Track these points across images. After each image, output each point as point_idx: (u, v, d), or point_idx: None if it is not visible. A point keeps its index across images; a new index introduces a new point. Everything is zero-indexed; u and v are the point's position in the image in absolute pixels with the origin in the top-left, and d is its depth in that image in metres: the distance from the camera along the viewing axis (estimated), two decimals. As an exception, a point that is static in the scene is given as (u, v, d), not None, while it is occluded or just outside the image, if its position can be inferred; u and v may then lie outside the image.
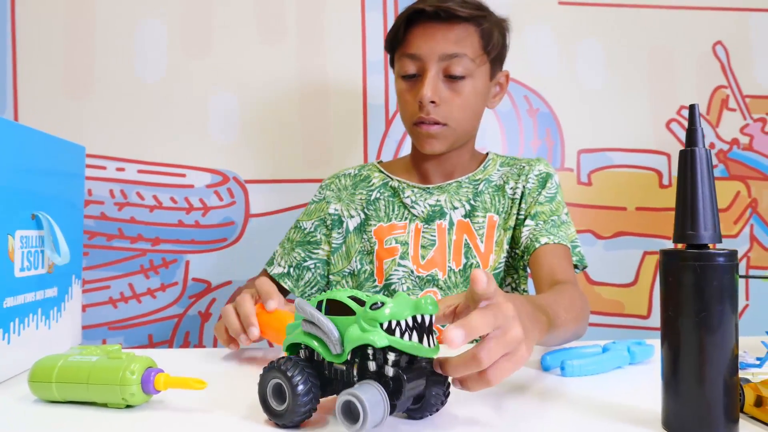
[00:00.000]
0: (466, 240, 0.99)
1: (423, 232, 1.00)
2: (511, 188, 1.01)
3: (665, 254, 0.49)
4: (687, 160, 0.48)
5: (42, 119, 1.37)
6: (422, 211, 1.00)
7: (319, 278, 1.02)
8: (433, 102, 0.91)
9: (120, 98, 1.39)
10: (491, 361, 0.46)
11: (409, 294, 0.97)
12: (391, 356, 0.47)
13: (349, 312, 0.50)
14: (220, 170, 1.40)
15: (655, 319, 1.47)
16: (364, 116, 1.44)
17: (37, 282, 0.74)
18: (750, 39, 1.51)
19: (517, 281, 1.02)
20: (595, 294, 1.47)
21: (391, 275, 0.98)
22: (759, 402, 0.51)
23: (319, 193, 1.08)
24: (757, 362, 0.69)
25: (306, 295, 1.01)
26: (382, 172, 1.07)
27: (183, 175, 1.40)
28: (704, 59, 1.50)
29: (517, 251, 0.99)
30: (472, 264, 0.98)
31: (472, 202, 1.00)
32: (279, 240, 1.40)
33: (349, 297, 0.51)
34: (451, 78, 0.92)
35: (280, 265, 1.02)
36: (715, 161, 1.49)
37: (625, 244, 1.47)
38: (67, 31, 1.39)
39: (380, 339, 0.46)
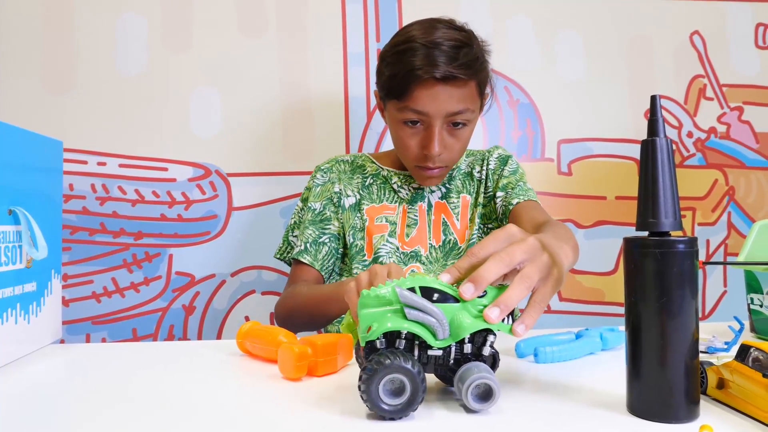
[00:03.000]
0: (443, 219, 1.07)
1: (408, 212, 1.07)
2: (478, 172, 1.12)
3: (628, 242, 0.50)
4: (648, 150, 0.49)
5: (22, 114, 1.36)
6: (407, 194, 1.08)
7: (334, 251, 1.06)
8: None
9: (101, 93, 1.38)
10: (533, 283, 0.53)
11: None
12: (491, 338, 0.53)
13: (445, 297, 0.53)
14: (202, 164, 1.40)
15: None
16: (346, 109, 1.44)
17: (16, 277, 0.74)
18: (726, 29, 1.53)
19: None
20: (575, 282, 1.49)
21: (379, 249, 1.03)
22: (721, 384, 0.53)
23: (322, 176, 1.12)
24: (725, 347, 0.71)
25: (326, 268, 1.04)
26: (374, 163, 1.13)
27: (165, 169, 1.39)
28: (682, 49, 1.52)
29: (493, 224, 1.08)
30: (450, 240, 1.06)
31: (447, 185, 1.10)
32: (262, 232, 1.42)
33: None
34: (453, 125, 0.98)
35: (297, 246, 1.05)
36: (692, 150, 1.52)
37: (605, 233, 1.49)
38: (46, 26, 1.37)
39: (503, 325, 0.52)
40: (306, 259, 1.01)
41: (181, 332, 1.41)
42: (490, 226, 1.08)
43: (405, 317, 0.51)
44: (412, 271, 1.03)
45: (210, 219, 1.41)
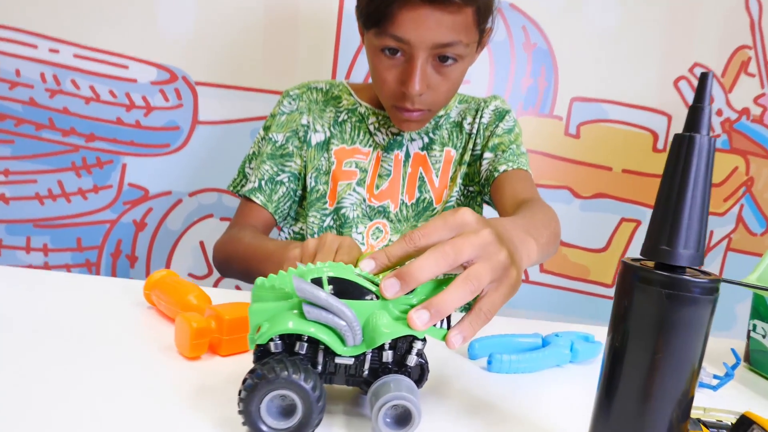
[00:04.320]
0: (421, 173, 0.93)
1: (382, 161, 0.92)
2: (468, 123, 0.96)
3: (626, 268, 0.37)
4: (683, 148, 0.35)
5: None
6: (383, 139, 0.93)
7: (292, 193, 0.92)
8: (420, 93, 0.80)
9: (62, -34, 1.19)
10: (480, 285, 0.42)
11: (357, 223, 0.89)
12: (418, 345, 0.43)
13: (360, 293, 0.41)
14: (167, 66, 1.24)
15: (620, 290, 1.39)
16: (338, 27, 1.26)
17: None
18: (788, -4, 1.33)
19: None
20: (561, 256, 1.38)
21: (343, 199, 0.90)
22: (706, 452, 0.42)
23: (289, 103, 0.95)
24: (715, 382, 0.60)
25: (280, 211, 0.90)
26: (352, 96, 0.96)
27: (125, 67, 1.23)
28: (734, 12, 1.32)
29: (475, 188, 0.95)
30: (425, 198, 0.92)
31: (430, 134, 0.94)
32: (228, 153, 1.27)
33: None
34: (440, 59, 0.79)
35: (250, 181, 0.91)
36: (718, 130, 1.36)
37: (604, 207, 1.36)
38: None
39: (435, 330, 0.42)
40: (258, 198, 0.88)
41: (130, 248, 1.30)
42: (471, 189, 0.94)
43: (302, 316, 0.40)
44: (377, 229, 0.90)
45: (171, 130, 1.26)
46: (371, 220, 0.90)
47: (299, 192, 0.92)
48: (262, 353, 0.41)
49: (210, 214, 1.30)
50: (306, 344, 0.41)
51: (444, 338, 0.41)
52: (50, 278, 0.68)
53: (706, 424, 0.45)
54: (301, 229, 0.93)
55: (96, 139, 1.24)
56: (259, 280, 0.41)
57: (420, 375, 0.43)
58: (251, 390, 0.37)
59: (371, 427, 0.42)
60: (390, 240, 0.89)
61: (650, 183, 1.35)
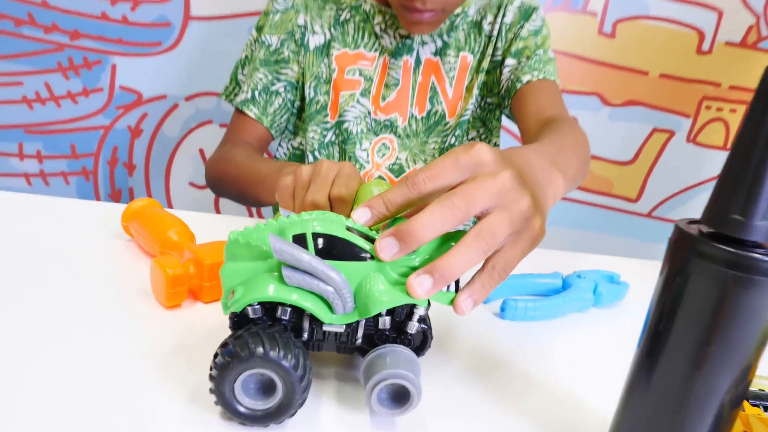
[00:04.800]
0: (433, 82, 0.82)
1: (389, 68, 0.81)
2: (489, 23, 0.83)
3: (681, 236, 0.30)
4: (772, 85, 0.26)
5: None
6: (391, 43, 0.81)
7: (289, 104, 0.82)
8: None
9: None
10: (494, 243, 0.35)
11: (362, 138, 0.80)
12: (420, 310, 0.37)
13: (352, 252, 0.34)
14: (153, -48, 1.10)
15: (644, 204, 1.31)
16: None
17: None
18: None
19: (485, 135, 0.84)
20: (585, 168, 1.29)
21: (346, 112, 0.81)
22: None
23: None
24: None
25: (276, 124, 0.82)
26: None
27: (105, -48, 1.10)
28: None
29: (493, 99, 0.84)
30: (437, 111, 0.82)
31: (444, 37, 0.82)
32: (226, 52, 1.16)
33: (347, 228, 0.35)
34: None
35: (243, 91, 0.81)
36: (773, 29, 1.21)
37: (635, 116, 1.25)
38: None
39: (441, 294, 0.35)
40: (252, 111, 0.79)
41: (126, 156, 1.24)
42: (489, 100, 0.84)
43: (283, 281, 0.33)
44: (383, 145, 0.82)
45: (162, 26, 1.15)
46: (377, 135, 0.82)
47: (297, 103, 0.83)
48: (239, 318, 0.36)
49: (209, 120, 1.22)
50: (289, 309, 0.35)
51: (451, 303, 0.35)
52: (27, 201, 0.63)
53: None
54: (300, 144, 0.85)
55: (81, 37, 1.14)
56: (233, 234, 0.35)
57: (422, 342, 0.38)
58: (222, 369, 0.32)
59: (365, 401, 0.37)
60: (397, 158, 0.81)
61: (690, 90, 1.22)
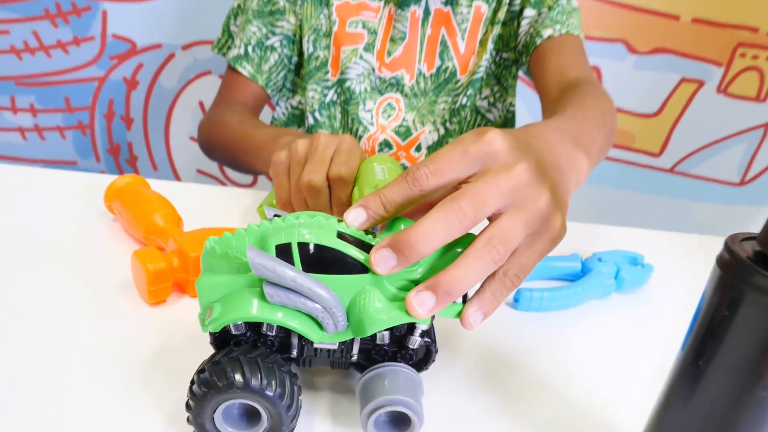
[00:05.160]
0: (443, 36, 0.75)
1: (395, 20, 0.74)
2: None
3: (733, 260, 0.25)
4: None
5: None
6: None
7: (286, 60, 0.76)
8: None
9: None
10: (508, 250, 0.30)
11: (366, 98, 0.74)
12: (422, 325, 0.32)
13: (344, 264, 0.30)
14: None
15: (667, 159, 1.25)
16: None
17: None
18: None
19: (499, 94, 0.78)
20: (605, 121, 1.21)
21: (348, 69, 0.74)
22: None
23: None
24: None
25: (272, 83, 0.76)
26: None
27: None
28: None
29: (510, 55, 0.77)
30: (447, 68, 0.75)
31: None
32: (223, -2, 1.09)
33: (339, 235, 0.31)
34: None
35: (235, 46, 0.75)
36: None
37: (663, 65, 1.16)
38: None
39: (449, 309, 0.31)
40: (245, 68, 0.73)
41: (123, 109, 1.18)
42: (505, 56, 0.77)
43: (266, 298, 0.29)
44: (389, 105, 0.75)
45: (153, -31, 1.06)
46: (382, 94, 0.75)
47: (294, 59, 0.76)
48: (220, 333, 0.32)
49: (207, 71, 1.16)
50: (270, 333, 0.32)
51: (458, 316, 0.31)
52: (6, 173, 0.59)
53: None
54: (299, 103, 0.79)
55: (67, -20, 1.06)
56: (210, 243, 0.30)
57: (425, 356, 0.34)
58: (199, 400, 0.28)
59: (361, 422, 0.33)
60: (404, 119, 0.75)
61: (724, 36, 1.13)
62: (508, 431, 0.34)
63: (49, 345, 0.36)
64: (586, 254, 0.55)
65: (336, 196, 0.46)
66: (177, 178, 1.26)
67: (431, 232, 0.29)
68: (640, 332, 0.46)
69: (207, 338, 0.38)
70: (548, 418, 0.36)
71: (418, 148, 0.76)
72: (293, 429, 0.30)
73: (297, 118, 0.79)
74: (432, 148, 0.76)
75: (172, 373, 0.35)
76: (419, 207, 0.35)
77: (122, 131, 1.20)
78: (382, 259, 0.29)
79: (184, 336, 0.38)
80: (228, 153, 0.67)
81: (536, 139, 0.36)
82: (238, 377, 0.28)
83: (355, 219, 0.32)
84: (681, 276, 0.55)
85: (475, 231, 0.31)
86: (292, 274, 0.28)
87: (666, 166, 1.25)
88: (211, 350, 0.32)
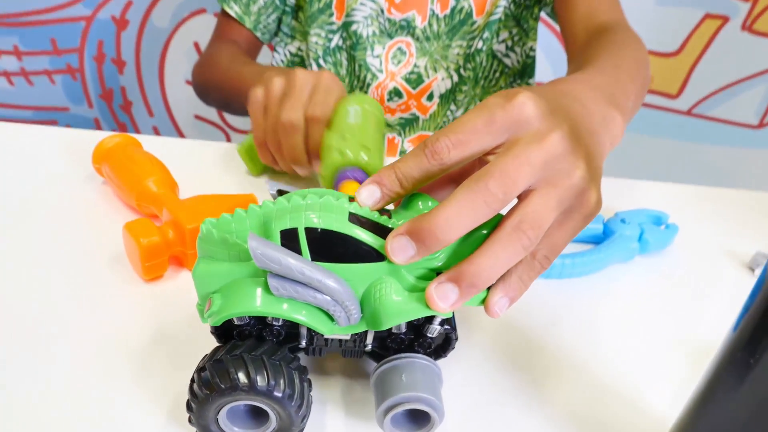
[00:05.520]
0: None
1: None
2: None
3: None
4: None
5: None
6: None
7: (277, 1, 0.70)
8: None
9: None
10: (539, 235, 0.27)
11: (374, 43, 0.69)
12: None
13: (358, 251, 0.27)
14: None
15: (685, 101, 1.19)
16: None
17: None
18: None
19: (519, 37, 0.72)
20: (622, 60, 1.15)
21: (354, 11, 0.68)
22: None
23: None
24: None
25: (262, 26, 0.70)
26: None
27: None
28: None
29: None
30: (462, 8, 0.69)
31: None
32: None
33: (351, 218, 0.27)
34: None
35: None
36: None
37: (686, 0, 1.09)
38: None
39: (473, 297, 0.27)
40: (233, 9, 0.67)
41: (114, 50, 1.12)
42: None
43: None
44: (399, 50, 0.70)
45: None
46: (391, 38, 0.70)
47: (291, 0, 0.71)
48: (221, 334, 0.29)
49: (202, 9, 1.09)
50: (275, 327, 0.29)
51: (482, 303, 0.28)
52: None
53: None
54: (299, 49, 0.73)
55: None
56: (206, 226, 0.27)
57: (444, 344, 0.31)
58: (201, 402, 0.26)
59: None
60: (415, 66, 0.70)
61: (755, -34, 1.05)
62: (531, 417, 0.32)
63: (32, 330, 0.34)
64: (608, 213, 0.52)
65: (312, 136, 0.45)
66: (174, 124, 1.21)
67: (455, 219, 0.26)
68: (667, 300, 0.44)
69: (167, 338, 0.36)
70: (575, 401, 0.33)
71: (430, 97, 0.71)
72: (304, 428, 0.28)
73: (297, 66, 0.74)
74: (445, 97, 0.71)
75: (173, 358, 0.33)
76: (439, 181, 0.32)
77: (114, 75, 1.15)
78: (399, 248, 0.26)
79: (184, 316, 0.36)
80: (220, 95, 0.63)
81: (569, 99, 0.32)
82: (242, 378, 0.25)
83: (368, 198, 0.28)
84: (706, 235, 0.52)
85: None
86: (300, 265, 0.25)
87: (683, 109, 1.20)
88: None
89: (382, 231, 0.28)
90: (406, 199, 0.30)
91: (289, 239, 0.26)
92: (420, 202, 0.30)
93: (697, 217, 0.55)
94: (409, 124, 0.72)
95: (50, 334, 0.34)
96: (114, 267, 0.39)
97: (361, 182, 0.40)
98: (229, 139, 1.23)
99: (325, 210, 0.27)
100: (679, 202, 0.57)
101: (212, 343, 0.32)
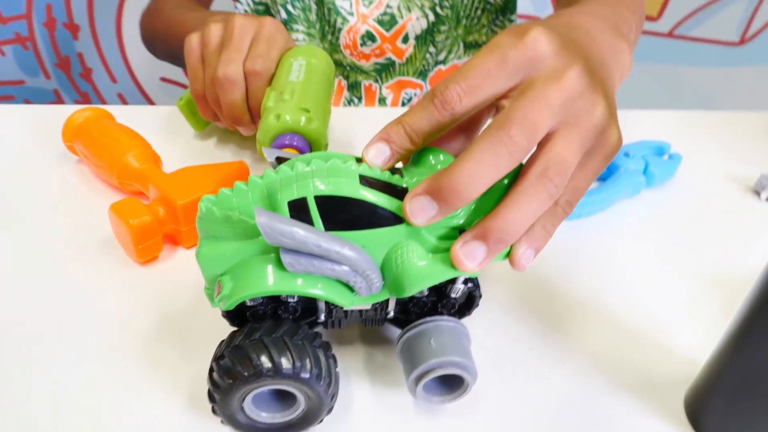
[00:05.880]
0: None
1: None
2: None
3: None
4: None
5: None
6: None
7: None
8: None
9: None
10: (565, 180, 0.25)
11: None
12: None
13: (373, 216, 0.25)
14: None
15: (665, 23, 1.16)
16: None
17: None
18: None
19: None
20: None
21: None
22: None
23: None
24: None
25: None
26: None
27: None
28: None
29: None
30: None
31: None
32: None
33: (362, 181, 0.25)
34: None
35: None
36: None
37: None
38: None
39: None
40: None
41: (64, 14, 1.05)
42: None
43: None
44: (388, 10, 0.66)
45: None
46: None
47: None
48: (233, 316, 0.27)
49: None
50: (289, 305, 0.27)
51: (507, 257, 0.27)
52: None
53: None
54: (265, -4, 0.68)
55: None
56: (205, 204, 0.25)
57: (467, 302, 0.30)
58: (224, 391, 0.24)
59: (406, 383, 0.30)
60: (388, 6, 0.66)
61: None
62: (559, 367, 0.31)
63: (29, 327, 0.32)
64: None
65: (252, 93, 0.42)
66: (141, 90, 1.15)
67: (479, 173, 0.24)
68: (681, 233, 0.43)
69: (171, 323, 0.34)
70: (601, 347, 0.33)
71: (405, 39, 0.67)
72: (332, 407, 0.27)
73: (262, 14, 0.69)
74: (421, 38, 0.67)
75: (183, 342, 0.31)
76: (449, 132, 0.30)
77: (69, 41, 1.07)
78: (419, 209, 0.24)
79: (188, 297, 0.34)
80: (165, 46, 0.60)
81: (579, 32, 0.30)
82: (265, 363, 0.24)
83: (377, 156, 0.26)
84: (707, 162, 0.51)
85: (525, 161, 0.26)
86: (315, 238, 0.23)
87: (664, 31, 1.17)
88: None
89: (396, 192, 0.26)
90: (415, 154, 0.28)
91: (298, 210, 0.24)
92: (431, 157, 0.28)
93: (695, 143, 0.54)
94: (385, 69, 0.69)
95: (49, 330, 0.31)
96: (105, 252, 0.37)
97: (301, 150, 0.38)
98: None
99: (333, 175, 0.25)
100: (675, 129, 0.56)
101: (221, 324, 0.30)
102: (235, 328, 0.27)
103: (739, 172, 0.51)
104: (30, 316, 0.32)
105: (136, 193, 0.42)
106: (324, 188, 0.24)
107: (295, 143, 0.37)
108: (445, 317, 0.28)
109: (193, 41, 0.43)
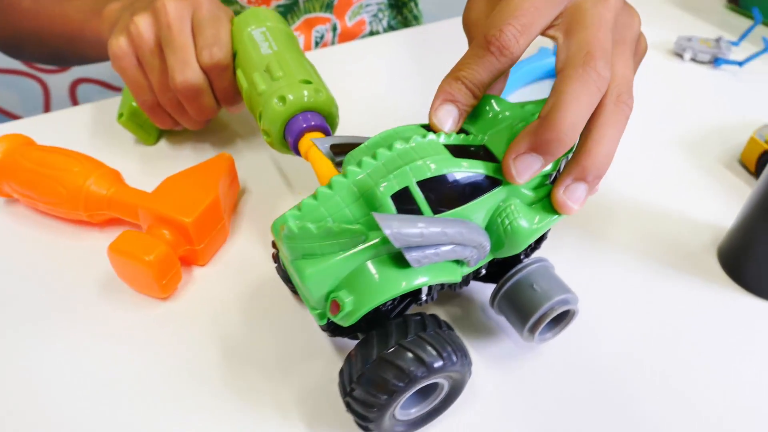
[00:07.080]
0: None
1: None
2: None
3: None
4: None
5: None
6: None
7: None
8: None
9: None
10: (632, 98, 0.26)
11: None
12: None
13: (473, 186, 0.24)
14: None
15: None
16: None
17: None
18: None
19: None
20: None
21: None
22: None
23: None
24: (739, 60, 0.53)
25: None
26: None
27: None
28: None
29: None
30: None
31: None
32: None
33: (452, 151, 0.24)
34: None
35: None
36: None
37: None
38: None
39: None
40: None
41: None
42: None
43: (400, 261, 0.23)
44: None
45: None
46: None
47: None
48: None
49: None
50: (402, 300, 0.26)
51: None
52: None
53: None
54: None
55: None
56: (293, 222, 0.22)
57: (538, 240, 0.31)
58: (379, 410, 0.23)
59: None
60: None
61: None
62: (597, 252, 0.34)
63: (89, 401, 0.27)
64: (548, 42, 0.52)
65: (219, 85, 0.37)
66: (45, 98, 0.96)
67: (579, 116, 0.24)
68: (650, 98, 0.46)
69: (254, 304, 0.31)
70: (628, 231, 0.35)
71: None
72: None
73: None
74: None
75: (256, 366, 0.29)
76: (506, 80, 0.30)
77: None
78: (525, 168, 0.24)
79: (235, 315, 0.31)
80: (43, 49, 0.50)
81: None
82: (416, 367, 0.23)
83: (446, 119, 0.26)
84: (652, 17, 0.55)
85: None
86: (440, 229, 0.22)
87: None
88: (278, 323, 0.26)
89: (475, 153, 0.25)
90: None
91: (403, 202, 0.23)
92: (486, 106, 0.27)
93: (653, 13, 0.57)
94: (289, 11, 0.63)
95: (115, 388, 0.27)
96: (115, 299, 0.32)
97: (322, 129, 0.33)
98: (45, 88, 1.01)
99: (424, 155, 0.24)
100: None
101: (281, 334, 0.28)
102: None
103: (654, 39, 0.55)
104: (87, 390, 0.28)
105: (107, 222, 0.36)
106: (426, 171, 0.23)
107: (314, 124, 0.33)
108: (530, 260, 0.28)
109: (121, 45, 0.35)
